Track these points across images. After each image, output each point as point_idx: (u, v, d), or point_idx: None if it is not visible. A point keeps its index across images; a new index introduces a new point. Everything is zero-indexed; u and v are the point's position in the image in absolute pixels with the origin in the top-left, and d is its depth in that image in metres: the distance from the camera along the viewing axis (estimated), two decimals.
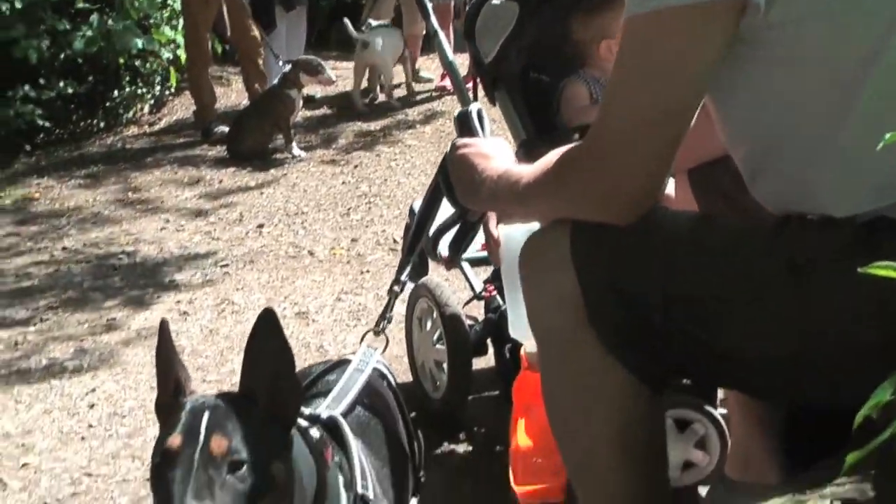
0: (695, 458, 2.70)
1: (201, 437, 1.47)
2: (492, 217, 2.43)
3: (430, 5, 3.00)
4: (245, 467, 1.47)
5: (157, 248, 5.76)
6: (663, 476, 1.80)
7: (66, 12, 8.01)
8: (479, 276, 3.50)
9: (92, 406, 3.84)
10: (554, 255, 1.66)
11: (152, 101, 8.88)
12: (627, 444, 1.68)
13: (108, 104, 8.46)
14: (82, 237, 6.06)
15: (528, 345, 2.39)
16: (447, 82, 7.88)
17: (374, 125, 8.05)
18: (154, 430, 1.55)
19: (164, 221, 6.24)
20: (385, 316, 2.31)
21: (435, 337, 3.38)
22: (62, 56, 7.93)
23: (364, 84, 8.58)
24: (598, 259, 1.63)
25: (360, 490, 1.76)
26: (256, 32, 8.01)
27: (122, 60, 8.29)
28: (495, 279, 3.32)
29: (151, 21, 8.42)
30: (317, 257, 5.37)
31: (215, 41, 8.52)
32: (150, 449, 1.55)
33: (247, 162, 7.28)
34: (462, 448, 3.25)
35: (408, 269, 2.44)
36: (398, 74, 8.71)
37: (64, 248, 5.87)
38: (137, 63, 8.51)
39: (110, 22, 8.00)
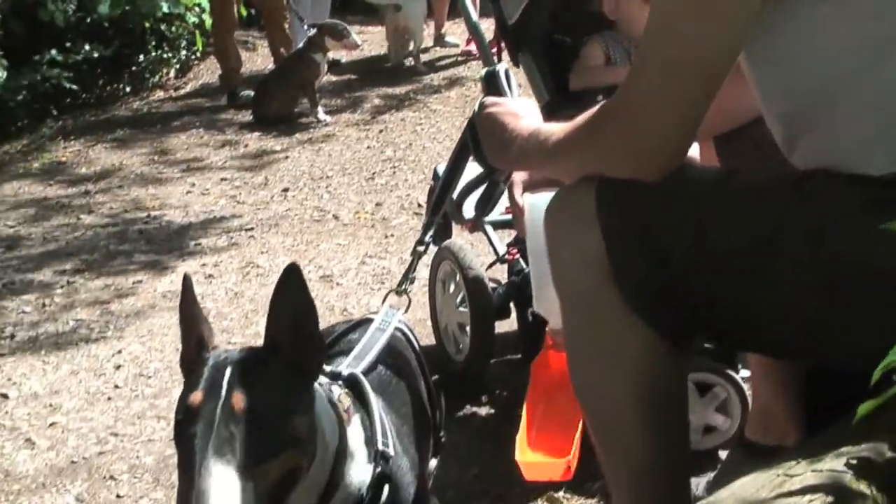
0: (715, 422, 2.72)
1: (223, 393, 1.47)
2: (517, 186, 2.43)
3: None
4: (267, 422, 1.47)
5: (183, 212, 5.78)
6: (685, 438, 1.80)
7: None
8: (503, 239, 3.51)
9: (118, 367, 3.88)
10: (579, 212, 1.66)
11: (178, 66, 8.88)
12: (650, 404, 1.68)
13: (134, 68, 8.47)
14: (109, 201, 6.08)
15: (553, 321, 2.37)
16: (473, 47, 7.86)
17: (400, 90, 8.04)
18: (179, 391, 1.56)
19: (190, 185, 6.26)
20: (408, 276, 2.31)
21: (458, 300, 3.38)
22: (88, 20, 7.93)
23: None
24: (624, 216, 1.63)
25: (380, 447, 1.76)
26: None
27: (147, 24, 8.29)
28: (518, 242, 3.32)
29: None
30: (341, 221, 5.38)
31: (241, 5, 8.50)
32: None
33: (272, 126, 7.29)
34: (484, 411, 3.26)
35: (431, 231, 2.45)
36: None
37: (90, 212, 5.90)
38: (163, 27, 8.51)
39: None
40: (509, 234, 3.54)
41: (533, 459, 2.40)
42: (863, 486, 1.36)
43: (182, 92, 8.61)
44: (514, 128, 1.88)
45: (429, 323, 3.62)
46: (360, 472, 1.73)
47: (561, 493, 2.67)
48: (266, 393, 1.50)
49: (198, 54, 9.04)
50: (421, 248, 2.37)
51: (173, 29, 8.64)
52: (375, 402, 1.84)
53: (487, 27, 3.67)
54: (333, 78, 8.31)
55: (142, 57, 8.47)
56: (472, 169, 2.39)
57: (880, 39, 1.52)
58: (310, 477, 1.59)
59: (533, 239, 2.35)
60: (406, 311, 2.22)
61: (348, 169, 6.29)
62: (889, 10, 1.51)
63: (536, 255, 2.34)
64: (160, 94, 8.54)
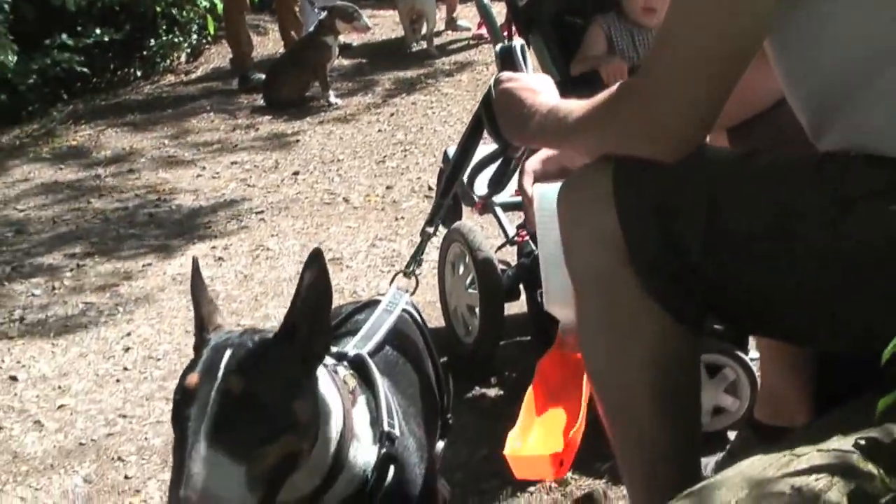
0: (725, 403, 2.71)
1: (220, 375, 1.45)
2: (527, 175, 2.39)
3: None
4: (264, 406, 1.46)
5: (193, 196, 5.78)
6: (697, 420, 1.78)
7: None
8: (513, 221, 3.49)
9: (127, 350, 3.88)
10: (595, 193, 1.64)
11: (189, 50, 8.88)
12: (664, 388, 1.66)
13: (145, 52, 8.48)
14: (119, 184, 6.09)
15: (565, 320, 2.32)
16: (484, 31, 7.83)
17: (411, 73, 8.02)
18: None
19: (201, 169, 6.26)
20: (416, 258, 2.29)
21: (467, 281, 3.37)
22: (99, 4, 7.92)
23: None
24: (641, 195, 1.61)
25: (386, 428, 1.74)
26: None
27: (158, 8, 8.29)
28: (528, 224, 3.30)
29: None
30: (352, 204, 5.37)
31: None
32: None
33: (283, 110, 7.28)
34: (493, 392, 3.25)
35: (441, 212, 2.43)
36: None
37: (100, 196, 5.90)
38: (174, 11, 8.50)
39: None
40: (519, 217, 3.52)
41: (523, 454, 2.32)
42: (870, 467, 1.34)
43: (193, 76, 8.61)
44: (533, 103, 1.86)
45: (438, 305, 3.61)
46: (365, 454, 1.71)
47: (569, 475, 2.66)
48: (265, 376, 1.48)
49: (209, 38, 9.04)
50: (430, 230, 2.34)
51: (184, 13, 8.62)
52: (381, 384, 1.82)
53: (499, 11, 3.65)
54: (345, 61, 8.30)
55: (153, 41, 8.47)
56: (483, 151, 2.36)
57: None
58: (312, 459, 1.58)
59: (542, 225, 2.30)
60: (414, 292, 2.20)
61: (359, 152, 6.28)
62: None
63: (546, 248, 2.30)
64: (171, 77, 8.54)
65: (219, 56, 8.86)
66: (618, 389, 1.71)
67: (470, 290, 3.36)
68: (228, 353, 1.49)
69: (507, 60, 2.34)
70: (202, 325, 1.62)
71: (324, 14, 7.36)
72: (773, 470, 1.36)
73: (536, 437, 2.40)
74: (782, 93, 1.76)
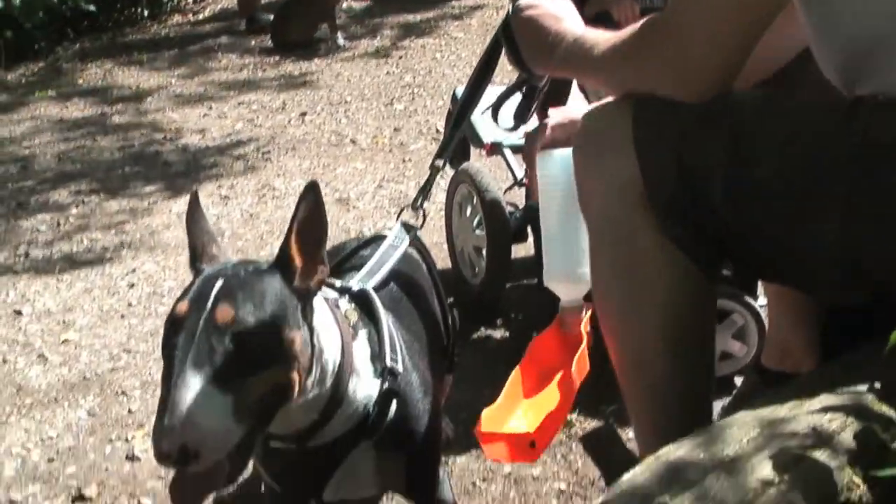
0: (732, 349, 2.69)
1: (208, 305, 1.43)
2: (536, 143, 2.33)
3: None
4: (253, 336, 1.43)
5: (200, 135, 5.74)
6: (711, 365, 1.76)
7: None
8: (521, 163, 3.46)
9: (132, 286, 3.87)
10: (614, 136, 1.62)
11: None
12: (678, 330, 1.64)
13: None
14: (125, 123, 6.06)
15: (564, 297, 2.27)
16: None
17: (420, 16, 7.95)
18: None
19: (207, 108, 6.22)
20: (424, 191, 2.25)
21: (475, 222, 3.35)
22: None
23: None
24: (662, 133, 1.58)
25: (388, 363, 1.73)
26: None
27: None
28: None
29: None
30: (359, 145, 5.33)
31: None
32: None
33: (291, 51, 7.23)
34: (499, 334, 3.23)
35: (451, 147, 2.38)
36: None
37: (107, 134, 5.87)
38: None
39: None
40: None
41: (494, 429, 2.13)
42: (885, 408, 1.33)
43: (200, 16, 8.55)
44: (558, 31, 1.80)
45: (445, 246, 3.59)
46: (365, 388, 1.70)
47: (574, 416, 2.65)
48: (256, 306, 1.46)
49: None
50: (439, 163, 2.29)
51: None
52: (385, 318, 1.80)
53: None
54: (354, 3, 8.24)
55: None
56: (492, 92, 2.32)
57: None
58: (307, 393, 1.57)
59: (545, 200, 2.25)
60: (421, 226, 2.17)
61: (367, 94, 6.23)
62: None
63: (548, 222, 2.25)
64: (178, 18, 8.49)
65: None
66: (632, 335, 1.69)
67: (477, 232, 3.33)
68: (220, 282, 1.47)
69: None
70: (196, 255, 1.60)
71: None
72: (786, 410, 1.34)
73: (522, 417, 2.27)
74: (798, 49, 1.72)
